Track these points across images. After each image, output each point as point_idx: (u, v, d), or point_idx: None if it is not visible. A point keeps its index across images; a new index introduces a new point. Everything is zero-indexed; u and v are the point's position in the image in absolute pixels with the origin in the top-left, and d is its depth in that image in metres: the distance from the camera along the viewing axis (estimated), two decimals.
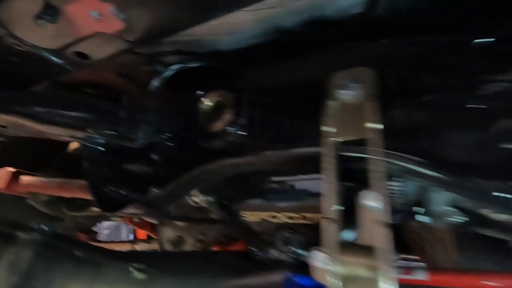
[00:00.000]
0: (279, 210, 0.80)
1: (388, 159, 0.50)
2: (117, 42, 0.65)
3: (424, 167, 0.51)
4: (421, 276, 1.05)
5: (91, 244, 0.88)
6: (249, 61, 0.74)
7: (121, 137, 0.78)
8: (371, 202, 0.47)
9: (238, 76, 0.75)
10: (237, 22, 0.63)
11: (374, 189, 0.47)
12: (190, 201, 1.21)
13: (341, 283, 0.45)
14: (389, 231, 0.45)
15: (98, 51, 0.67)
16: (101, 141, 0.85)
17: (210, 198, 1.00)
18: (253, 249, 0.96)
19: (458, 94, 0.50)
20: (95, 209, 1.42)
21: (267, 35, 0.69)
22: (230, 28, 0.69)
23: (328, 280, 0.47)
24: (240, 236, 0.97)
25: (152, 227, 1.71)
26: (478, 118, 0.47)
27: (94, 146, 0.82)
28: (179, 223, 1.49)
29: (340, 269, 0.46)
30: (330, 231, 0.47)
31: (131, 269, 0.71)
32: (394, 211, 1.01)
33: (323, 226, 0.49)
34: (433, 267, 1.08)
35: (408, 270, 1.10)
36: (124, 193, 0.79)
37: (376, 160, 0.47)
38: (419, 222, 1.28)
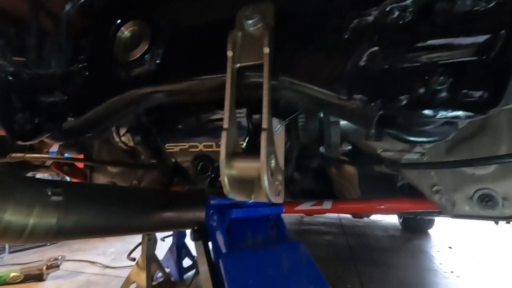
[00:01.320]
0: (200, 141, 0.86)
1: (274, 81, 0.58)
2: None
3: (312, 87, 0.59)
4: (327, 205, 1.25)
5: (6, 170, 0.84)
6: None
7: (31, 65, 0.75)
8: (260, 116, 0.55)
9: (156, 8, 0.75)
10: None
11: (263, 106, 0.55)
12: (120, 143, 1.21)
13: (228, 182, 0.53)
14: (270, 139, 0.54)
15: None
16: (10, 69, 0.80)
17: (138, 137, 1.03)
18: (178, 183, 1.03)
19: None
20: (15, 154, 1.35)
21: None
22: None
23: (223, 180, 0.55)
24: (167, 171, 1.02)
25: (84, 176, 1.66)
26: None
27: (1, 74, 0.78)
28: (112, 169, 1.49)
29: (230, 171, 0.55)
30: (225, 139, 0.55)
31: (48, 191, 0.72)
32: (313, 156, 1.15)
33: (221, 137, 0.56)
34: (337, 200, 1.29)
35: (320, 202, 1.30)
36: (37, 122, 0.77)
37: (265, 80, 0.55)
38: (334, 168, 1.48)
